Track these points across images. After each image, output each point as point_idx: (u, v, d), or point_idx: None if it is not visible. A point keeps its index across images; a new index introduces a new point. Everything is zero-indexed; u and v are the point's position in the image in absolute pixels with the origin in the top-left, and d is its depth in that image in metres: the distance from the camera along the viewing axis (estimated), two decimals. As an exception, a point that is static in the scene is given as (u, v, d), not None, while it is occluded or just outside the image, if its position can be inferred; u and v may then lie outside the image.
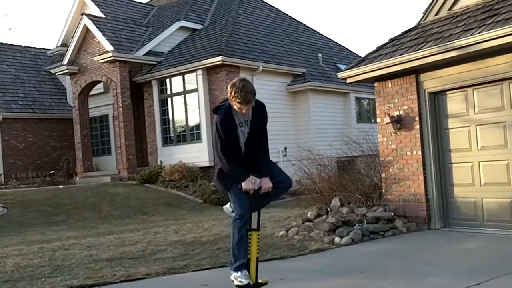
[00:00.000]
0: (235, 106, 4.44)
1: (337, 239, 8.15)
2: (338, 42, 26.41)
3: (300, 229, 8.81)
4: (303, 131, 19.94)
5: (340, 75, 10.40)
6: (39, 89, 24.43)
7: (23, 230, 12.34)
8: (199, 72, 18.37)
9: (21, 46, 26.53)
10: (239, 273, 4.45)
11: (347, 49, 26.27)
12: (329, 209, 9.33)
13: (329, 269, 6.65)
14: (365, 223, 8.61)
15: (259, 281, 4.54)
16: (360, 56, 20.72)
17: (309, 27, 25.98)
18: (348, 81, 10.19)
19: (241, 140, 4.65)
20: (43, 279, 6.58)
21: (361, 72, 9.70)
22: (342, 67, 20.90)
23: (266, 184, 4.59)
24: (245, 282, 4.45)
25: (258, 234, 4.55)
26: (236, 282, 4.48)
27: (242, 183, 4.56)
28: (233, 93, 4.38)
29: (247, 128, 4.62)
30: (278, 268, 6.74)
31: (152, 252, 8.08)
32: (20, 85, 23.92)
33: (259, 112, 4.64)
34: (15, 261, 7.74)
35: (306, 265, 6.91)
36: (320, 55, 22.77)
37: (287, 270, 6.61)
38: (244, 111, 4.45)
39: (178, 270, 6.82)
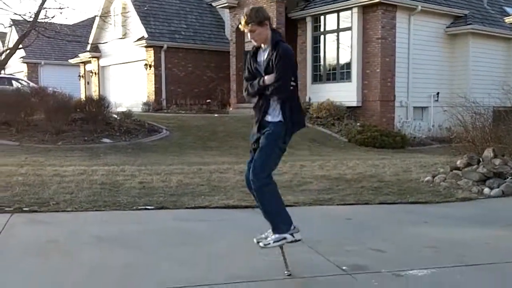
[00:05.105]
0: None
1: (486, 190, 7.99)
2: (508, -18, 24.36)
3: (447, 177, 8.73)
4: (458, 77, 19.01)
5: (508, 19, 9.80)
6: (200, 21, 25.66)
7: (182, 151, 13.49)
8: (355, 10, 18.11)
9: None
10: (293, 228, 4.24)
11: (517, -10, 24.15)
12: (480, 159, 9.08)
13: (476, 218, 6.61)
14: (519, 177, 8.30)
15: None
16: (532, -1, 19.06)
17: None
18: (516, 26, 9.59)
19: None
20: (202, 197, 7.31)
21: (531, 18, 9.07)
22: (510, 10, 19.36)
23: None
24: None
25: None
26: (297, 236, 4.22)
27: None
28: None
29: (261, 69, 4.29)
30: (422, 211, 6.86)
31: (298, 183, 8.53)
32: (183, 17, 25.30)
33: (273, 53, 4.16)
34: (178, 178, 8.61)
35: (451, 212, 6.92)
36: (485, -5, 21.26)
37: (431, 214, 6.70)
38: (249, 36, 4.24)
39: (323, 202, 7.20)
